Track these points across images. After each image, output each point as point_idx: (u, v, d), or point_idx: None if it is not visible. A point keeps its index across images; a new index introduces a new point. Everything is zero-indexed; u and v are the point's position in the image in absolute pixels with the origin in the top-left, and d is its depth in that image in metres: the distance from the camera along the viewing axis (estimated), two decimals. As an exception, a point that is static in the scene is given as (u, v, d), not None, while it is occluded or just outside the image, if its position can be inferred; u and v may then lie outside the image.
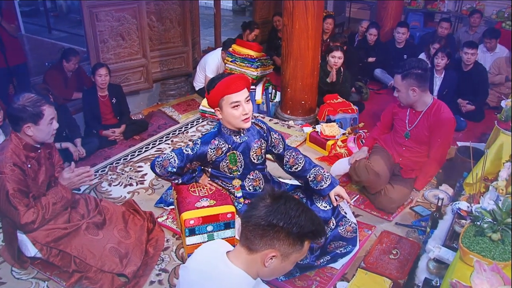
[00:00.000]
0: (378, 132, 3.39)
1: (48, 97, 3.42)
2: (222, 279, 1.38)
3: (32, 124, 2.25)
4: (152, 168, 2.57)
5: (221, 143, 2.49)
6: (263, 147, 2.64)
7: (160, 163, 2.52)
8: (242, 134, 2.53)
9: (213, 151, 2.49)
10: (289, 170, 2.69)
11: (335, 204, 2.62)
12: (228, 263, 1.41)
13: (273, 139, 2.66)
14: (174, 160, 2.50)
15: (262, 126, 2.65)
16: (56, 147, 2.71)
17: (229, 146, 2.51)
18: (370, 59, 5.87)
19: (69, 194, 2.42)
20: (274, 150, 2.67)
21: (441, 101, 3.03)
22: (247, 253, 1.39)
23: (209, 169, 2.65)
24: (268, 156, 2.76)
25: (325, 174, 2.62)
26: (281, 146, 2.67)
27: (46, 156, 2.48)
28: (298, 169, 2.65)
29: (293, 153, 2.68)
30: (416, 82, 2.87)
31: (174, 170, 2.51)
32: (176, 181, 2.67)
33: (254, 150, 2.58)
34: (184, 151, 2.50)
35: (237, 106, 2.35)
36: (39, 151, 2.40)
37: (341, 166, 3.46)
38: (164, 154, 2.55)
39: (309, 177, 2.62)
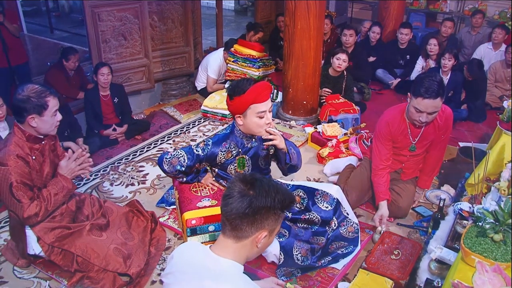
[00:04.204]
0: (386, 172, 2.93)
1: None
2: (216, 275, 1.37)
3: (37, 115, 2.23)
4: (160, 165, 2.55)
5: (232, 146, 2.50)
6: (271, 153, 2.65)
7: (169, 160, 2.51)
8: (253, 140, 2.54)
9: (223, 154, 2.49)
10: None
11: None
12: (216, 257, 1.41)
13: None
14: (184, 159, 2.49)
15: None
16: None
17: (239, 150, 2.51)
18: (371, 59, 5.87)
19: (70, 183, 2.39)
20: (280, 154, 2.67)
21: None
22: (235, 242, 1.41)
23: (216, 170, 2.66)
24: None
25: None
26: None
27: (51, 148, 2.45)
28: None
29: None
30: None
31: (183, 169, 2.51)
32: (181, 179, 2.67)
33: (262, 156, 2.59)
34: (195, 150, 2.49)
35: (262, 115, 2.35)
36: (43, 142, 2.38)
37: (335, 166, 3.47)
38: (174, 151, 2.54)
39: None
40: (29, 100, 2.19)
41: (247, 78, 2.65)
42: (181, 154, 2.50)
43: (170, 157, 2.51)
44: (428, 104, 2.58)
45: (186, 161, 2.48)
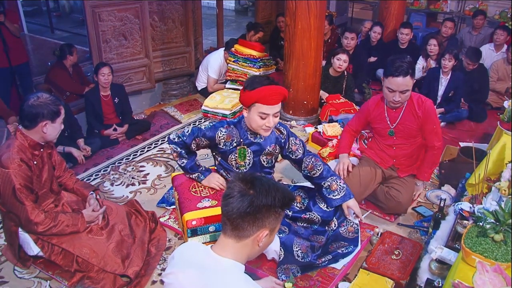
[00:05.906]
0: (350, 135, 3.25)
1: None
2: (217, 275, 1.37)
3: (49, 122, 2.31)
4: (168, 138, 2.69)
5: (234, 132, 2.53)
6: (276, 153, 2.65)
7: (176, 132, 2.65)
8: (258, 135, 2.55)
9: (223, 134, 2.52)
10: (307, 174, 2.70)
11: (348, 217, 2.65)
12: (216, 257, 1.41)
13: (291, 145, 2.65)
14: (188, 130, 2.62)
15: (282, 131, 2.66)
16: (59, 151, 2.74)
17: (241, 140, 2.53)
18: (372, 59, 5.87)
19: (83, 227, 2.45)
20: (291, 155, 2.67)
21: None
22: (236, 242, 1.41)
23: (219, 158, 2.67)
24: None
25: (340, 184, 2.62)
26: (300, 151, 2.66)
27: (48, 156, 2.50)
28: (316, 175, 2.65)
29: (312, 159, 2.66)
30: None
31: (185, 138, 2.59)
32: (182, 160, 2.69)
33: (266, 153, 2.60)
34: (199, 126, 2.61)
35: (264, 117, 2.38)
36: (41, 150, 2.42)
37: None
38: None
39: (324, 184, 2.62)
40: (47, 106, 2.28)
41: (266, 76, 2.67)
42: (187, 129, 2.65)
43: (177, 131, 2.68)
44: (399, 82, 2.73)
45: (189, 131, 2.60)
